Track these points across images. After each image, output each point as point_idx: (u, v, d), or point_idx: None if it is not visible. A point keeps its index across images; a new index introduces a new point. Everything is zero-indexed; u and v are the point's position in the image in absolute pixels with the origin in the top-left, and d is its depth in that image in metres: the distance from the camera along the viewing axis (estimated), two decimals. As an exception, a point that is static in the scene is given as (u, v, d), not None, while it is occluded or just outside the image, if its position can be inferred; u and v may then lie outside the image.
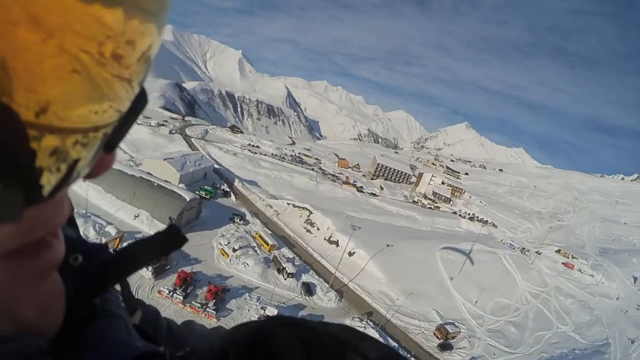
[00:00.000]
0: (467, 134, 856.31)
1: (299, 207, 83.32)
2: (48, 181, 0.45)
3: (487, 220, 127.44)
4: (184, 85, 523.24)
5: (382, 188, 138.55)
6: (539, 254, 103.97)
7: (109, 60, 0.44)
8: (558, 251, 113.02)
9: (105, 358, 0.55)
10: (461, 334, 59.34)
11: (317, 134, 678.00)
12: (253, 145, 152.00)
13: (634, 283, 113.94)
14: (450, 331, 57.76)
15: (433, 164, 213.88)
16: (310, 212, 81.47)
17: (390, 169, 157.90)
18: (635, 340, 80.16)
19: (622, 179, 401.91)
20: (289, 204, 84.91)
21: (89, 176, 0.54)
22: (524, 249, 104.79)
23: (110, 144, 0.51)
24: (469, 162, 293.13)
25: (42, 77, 0.38)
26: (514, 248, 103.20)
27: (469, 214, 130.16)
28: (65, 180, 0.48)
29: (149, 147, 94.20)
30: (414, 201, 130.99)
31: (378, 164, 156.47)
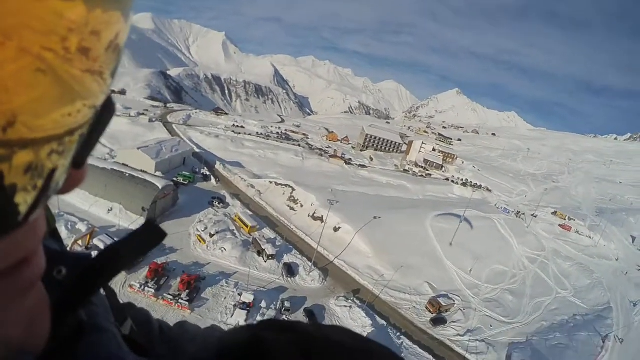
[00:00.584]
0: (458, 100, 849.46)
1: (281, 185, 79.38)
2: (24, 201, 0.41)
3: (480, 185, 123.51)
4: (168, 72, 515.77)
5: (371, 159, 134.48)
6: (535, 216, 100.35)
7: (76, 55, 0.40)
8: (554, 213, 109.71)
9: None
10: (455, 306, 55.50)
11: (307, 110, 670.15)
12: (237, 126, 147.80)
13: (633, 243, 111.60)
14: (443, 304, 53.85)
15: (425, 131, 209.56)
16: (293, 189, 77.65)
17: (380, 139, 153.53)
18: (638, 303, 77.08)
19: (615, 138, 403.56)
20: (271, 182, 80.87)
21: (59, 192, 0.49)
22: (519, 212, 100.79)
23: (79, 160, 0.46)
24: (462, 128, 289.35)
25: (3, 86, 0.34)
26: (509, 212, 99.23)
27: (462, 179, 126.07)
28: (43, 196, 0.44)
29: (128, 138, 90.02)
30: (404, 170, 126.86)
31: (367, 135, 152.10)
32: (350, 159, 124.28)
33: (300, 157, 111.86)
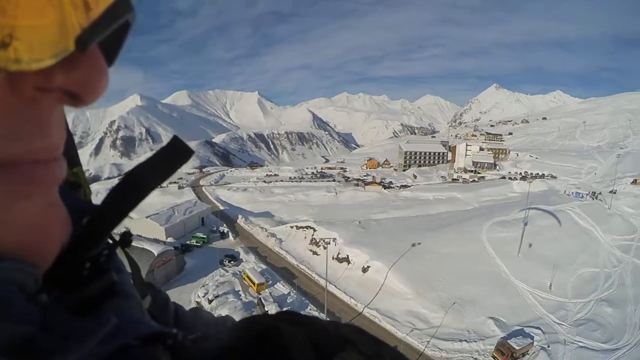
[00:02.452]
0: (499, 95, 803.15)
1: (302, 227, 64.22)
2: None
3: (543, 174, 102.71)
4: (213, 140, 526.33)
5: (415, 177, 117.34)
6: (614, 192, 78.55)
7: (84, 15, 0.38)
8: (634, 182, 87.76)
9: (122, 331, 0.47)
10: (535, 345, 36.80)
11: (353, 145, 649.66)
12: (270, 175, 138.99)
13: None
14: (517, 347, 35.15)
15: (473, 135, 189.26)
16: (315, 230, 61.74)
17: (421, 153, 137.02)
18: None
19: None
20: (292, 227, 66.00)
21: (79, 102, 0.44)
22: (595, 192, 79.34)
23: (82, 38, 0.39)
24: (510, 121, 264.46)
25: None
26: (582, 196, 78.21)
27: (520, 173, 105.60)
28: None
29: (157, 208, 78.80)
30: (453, 179, 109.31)
31: (405, 152, 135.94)
32: (390, 182, 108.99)
33: (333, 192, 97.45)
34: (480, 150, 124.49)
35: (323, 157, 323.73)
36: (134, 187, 0.60)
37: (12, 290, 0.38)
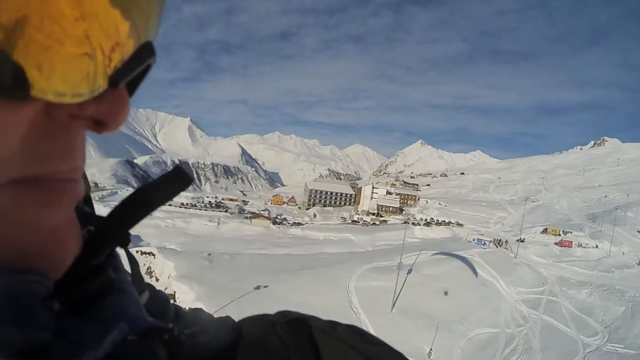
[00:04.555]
0: (424, 151, 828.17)
1: (145, 253, 52.15)
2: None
3: (449, 222, 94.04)
4: (135, 161, 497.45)
5: (315, 215, 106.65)
6: (522, 241, 70.17)
7: (110, 66, 0.40)
8: (545, 231, 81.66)
9: (118, 326, 0.48)
10: None
11: (278, 184, 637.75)
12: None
13: None
14: None
15: (392, 184, 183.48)
16: (155, 257, 51.63)
17: (326, 192, 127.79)
18: None
19: (581, 149, 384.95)
20: (136, 252, 52.19)
21: (104, 128, 0.47)
22: (500, 240, 70.34)
23: (115, 78, 0.41)
24: (430, 174, 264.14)
25: (56, 61, 0.34)
26: (484, 243, 68.92)
27: (425, 219, 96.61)
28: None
29: None
30: (353, 221, 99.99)
31: (310, 190, 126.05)
32: (284, 219, 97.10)
33: (216, 223, 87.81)
34: (387, 194, 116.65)
35: (241, 191, 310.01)
36: (140, 203, 0.60)
37: (33, 301, 0.39)
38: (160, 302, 0.90)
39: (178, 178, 0.63)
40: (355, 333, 0.65)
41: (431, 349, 35.58)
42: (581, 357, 38.72)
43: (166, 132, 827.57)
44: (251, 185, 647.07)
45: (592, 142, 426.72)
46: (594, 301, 50.70)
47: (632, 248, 74.95)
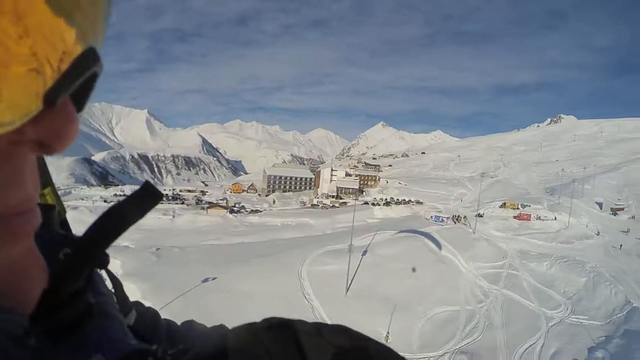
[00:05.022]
0: (385, 133, 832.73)
1: None
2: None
3: (409, 200, 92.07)
4: (92, 158, 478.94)
5: (274, 202, 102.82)
6: (481, 216, 68.74)
7: (57, 75, 0.37)
8: (503, 205, 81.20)
9: (100, 353, 0.48)
10: None
11: (241, 173, 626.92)
12: (119, 195, 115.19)
13: (601, 209, 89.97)
14: None
15: (355, 166, 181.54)
16: None
17: (286, 178, 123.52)
18: None
19: (538, 126, 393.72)
20: None
21: (51, 150, 0.43)
22: (458, 216, 68.65)
23: (50, 96, 0.37)
24: (391, 155, 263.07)
25: (2, 87, 0.32)
26: (442, 220, 67.08)
27: (385, 199, 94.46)
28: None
29: None
30: (313, 205, 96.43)
31: (269, 177, 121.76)
32: (243, 207, 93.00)
33: (171, 216, 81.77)
34: (346, 176, 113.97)
35: (203, 182, 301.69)
36: (114, 222, 0.59)
37: (3, 341, 0.37)
38: (150, 320, 0.88)
39: (148, 194, 0.63)
40: (342, 332, 0.58)
41: (388, 333, 33.11)
42: (544, 331, 37.11)
43: (123, 125, 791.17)
44: (214, 175, 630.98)
45: (549, 119, 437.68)
46: (555, 273, 49.61)
47: (591, 219, 76.07)
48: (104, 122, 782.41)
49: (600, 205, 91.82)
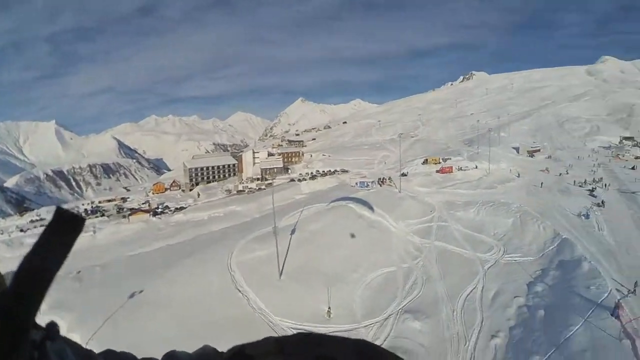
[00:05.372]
0: (305, 108, 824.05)
1: None
2: None
3: (334, 170, 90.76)
4: (5, 185, 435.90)
5: (198, 195, 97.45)
6: (405, 175, 68.79)
7: None
8: (425, 161, 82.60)
9: None
10: None
11: (165, 171, 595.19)
12: (35, 220, 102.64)
13: (518, 153, 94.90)
14: None
15: (279, 144, 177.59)
16: None
17: (207, 168, 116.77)
18: (588, 213, 49.39)
19: (452, 84, 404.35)
20: None
21: None
22: (383, 178, 68.16)
23: None
24: (314, 129, 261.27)
25: None
26: (367, 185, 66.21)
27: (310, 173, 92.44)
28: None
29: None
30: (239, 191, 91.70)
31: (190, 170, 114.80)
32: (166, 207, 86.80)
33: (91, 232, 72.39)
34: (269, 156, 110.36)
35: (125, 188, 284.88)
36: (35, 277, 0.52)
37: None
38: None
39: (64, 224, 0.54)
40: (305, 341, 0.61)
41: (329, 308, 31.50)
42: (482, 275, 37.22)
43: (32, 142, 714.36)
44: (136, 179, 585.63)
45: (462, 77, 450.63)
46: (482, 218, 50.35)
47: (510, 163, 78.59)
48: (11, 143, 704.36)
49: (517, 149, 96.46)
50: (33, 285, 0.51)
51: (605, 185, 62.04)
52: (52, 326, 0.58)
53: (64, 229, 0.53)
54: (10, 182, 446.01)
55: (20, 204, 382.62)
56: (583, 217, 47.90)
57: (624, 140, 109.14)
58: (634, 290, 30.42)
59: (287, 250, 38.89)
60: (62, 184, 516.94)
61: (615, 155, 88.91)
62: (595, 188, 60.41)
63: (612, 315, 27.52)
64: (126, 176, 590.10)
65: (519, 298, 32.69)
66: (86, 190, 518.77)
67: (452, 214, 51.31)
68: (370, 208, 49.53)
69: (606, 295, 30.29)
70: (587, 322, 27.41)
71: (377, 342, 28.17)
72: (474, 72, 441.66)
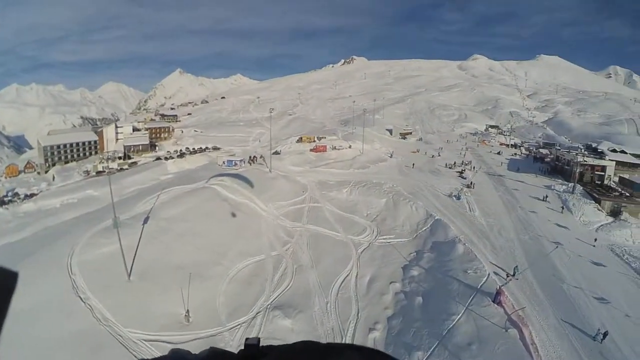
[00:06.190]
0: (183, 80, 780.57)
1: None
2: None
3: (205, 148, 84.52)
4: None
5: (54, 178, 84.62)
6: (278, 153, 65.41)
7: None
8: (300, 140, 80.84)
9: None
10: None
11: (26, 149, 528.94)
12: None
13: (392, 134, 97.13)
14: None
15: (152, 119, 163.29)
16: None
17: (65, 146, 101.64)
18: (459, 195, 49.87)
19: (332, 67, 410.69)
20: None
21: None
22: (254, 157, 64.11)
23: None
24: (191, 103, 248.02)
25: None
26: (234, 164, 61.74)
27: (180, 150, 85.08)
28: None
29: None
30: (98, 172, 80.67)
31: (44, 148, 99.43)
32: (16, 194, 73.53)
33: None
34: (134, 131, 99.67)
35: None
36: None
37: None
38: None
39: None
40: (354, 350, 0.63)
41: (187, 311, 26.76)
42: (355, 260, 34.92)
43: None
44: None
45: (343, 60, 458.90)
46: (355, 198, 48.62)
47: (383, 144, 78.75)
48: None
49: (390, 131, 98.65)
50: None
51: (474, 168, 64.59)
52: None
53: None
54: None
55: None
56: (454, 198, 48.56)
57: (489, 128, 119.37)
58: (514, 274, 29.99)
59: (138, 244, 33.04)
60: None
61: (482, 141, 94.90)
62: (465, 170, 62.48)
63: (493, 302, 26.48)
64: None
65: (395, 284, 30.90)
66: None
67: (325, 194, 49.02)
68: (236, 189, 45.06)
69: (485, 279, 29.40)
70: (469, 310, 25.96)
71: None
72: (354, 56, 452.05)
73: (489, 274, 30.05)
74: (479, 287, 28.43)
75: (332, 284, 31.18)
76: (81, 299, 27.97)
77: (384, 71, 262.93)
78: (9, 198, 72.10)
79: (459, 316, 25.45)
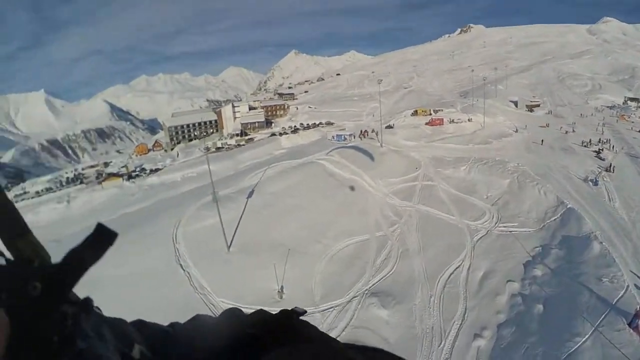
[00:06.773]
0: (299, 60, 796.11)
1: None
2: None
3: (319, 123, 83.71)
4: (1, 160, 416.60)
5: (178, 155, 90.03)
6: (392, 127, 61.95)
7: None
8: (415, 113, 75.60)
9: None
10: None
11: (159, 131, 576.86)
12: (21, 194, 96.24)
13: (517, 107, 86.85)
14: None
15: (271, 98, 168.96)
16: None
17: (188, 126, 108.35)
18: (596, 179, 41.91)
19: (449, 36, 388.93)
20: None
21: None
22: (365, 131, 61.20)
23: None
24: (307, 81, 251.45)
25: None
26: (344, 138, 59.67)
27: (293, 126, 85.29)
28: None
29: None
30: (217, 148, 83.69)
31: (169, 128, 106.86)
32: (143, 169, 79.92)
33: (65, 201, 65.91)
34: (250, 109, 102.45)
35: (118, 151, 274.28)
36: (72, 261, 0.61)
37: None
38: (158, 337, 0.88)
39: (101, 237, 0.66)
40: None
41: (282, 287, 25.50)
42: (469, 249, 31.03)
43: (23, 114, 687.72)
44: (132, 140, 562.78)
45: (459, 29, 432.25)
46: (474, 177, 43.79)
47: (507, 118, 71.11)
48: (2, 117, 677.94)
49: (515, 103, 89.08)
50: (72, 267, 0.60)
51: (613, 147, 54.99)
52: (88, 301, 0.65)
53: (100, 241, 0.64)
54: (7, 157, 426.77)
55: (20, 176, 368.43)
56: (591, 183, 40.63)
57: (629, 101, 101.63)
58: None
59: (241, 217, 32.40)
60: (58, 152, 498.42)
61: (621, 116, 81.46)
62: (603, 149, 53.29)
63: (629, 325, 20.52)
64: (121, 139, 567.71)
65: (513, 283, 26.32)
66: (83, 156, 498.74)
67: (440, 171, 44.87)
68: (344, 165, 42.83)
69: (622, 293, 23.26)
70: (598, 331, 20.57)
71: (334, 333, 22.34)
72: (471, 25, 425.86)
73: (627, 287, 23.69)
74: (613, 302, 22.51)
75: (440, 274, 27.70)
76: (182, 266, 28.42)
77: (505, 38, 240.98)
78: (137, 173, 78.36)
79: (584, 338, 20.32)
